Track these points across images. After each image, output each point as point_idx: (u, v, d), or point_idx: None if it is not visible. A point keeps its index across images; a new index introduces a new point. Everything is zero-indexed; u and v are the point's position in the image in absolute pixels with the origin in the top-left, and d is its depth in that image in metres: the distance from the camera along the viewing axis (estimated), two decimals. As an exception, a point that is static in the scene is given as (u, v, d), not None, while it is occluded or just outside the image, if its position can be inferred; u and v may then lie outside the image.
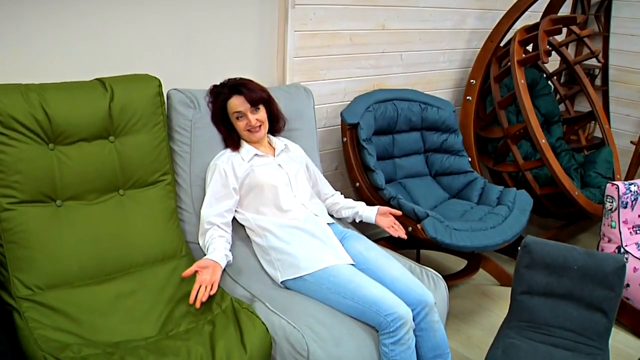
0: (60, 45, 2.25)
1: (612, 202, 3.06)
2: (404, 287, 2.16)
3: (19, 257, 1.96)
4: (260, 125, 2.40)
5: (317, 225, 2.32)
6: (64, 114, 2.06)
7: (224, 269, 2.18)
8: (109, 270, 2.10)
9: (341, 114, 3.01)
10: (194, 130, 2.42)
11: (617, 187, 3.03)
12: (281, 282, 2.20)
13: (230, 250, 2.24)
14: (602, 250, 3.15)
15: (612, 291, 2.16)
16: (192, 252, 2.35)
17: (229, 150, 2.43)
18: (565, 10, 4.36)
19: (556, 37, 3.97)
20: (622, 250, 3.04)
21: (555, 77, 4.31)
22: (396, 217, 2.56)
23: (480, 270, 3.31)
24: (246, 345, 1.90)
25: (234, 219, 2.38)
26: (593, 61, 4.54)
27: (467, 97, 3.69)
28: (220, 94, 2.42)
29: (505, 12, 3.66)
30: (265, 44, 2.85)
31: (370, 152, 2.92)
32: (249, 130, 2.39)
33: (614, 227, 3.07)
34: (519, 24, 3.67)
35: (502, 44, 3.71)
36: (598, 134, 4.67)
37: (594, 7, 4.61)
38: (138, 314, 2.01)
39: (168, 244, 2.28)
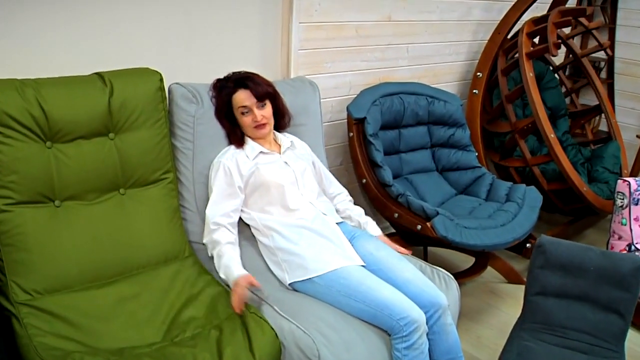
0: (57, 38, 2.16)
1: (623, 199, 2.99)
2: (416, 289, 2.09)
3: (17, 260, 1.88)
4: (266, 122, 2.31)
5: (325, 225, 2.24)
6: (62, 110, 1.98)
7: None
8: (110, 273, 2.03)
9: (347, 108, 2.93)
10: (197, 127, 2.33)
11: (629, 184, 2.96)
12: (289, 284, 2.12)
13: None
14: (612, 247, 3.08)
15: (629, 292, 2.11)
16: (195, 253, 2.28)
17: (232, 147, 2.33)
18: (572, 2, 4.28)
19: (564, 29, 3.89)
20: (632, 247, 2.98)
21: (561, 70, 4.23)
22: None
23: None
24: (255, 352, 1.83)
25: (240, 218, 2.30)
26: (599, 54, 4.47)
27: (474, 91, 3.61)
28: (225, 88, 2.33)
29: (513, 3, 3.57)
30: (269, 36, 2.77)
31: (377, 147, 2.84)
32: (255, 127, 2.29)
33: (625, 225, 3.01)
34: (526, 16, 3.59)
35: (509, 36, 3.63)
36: (603, 127, 4.61)
37: (601, -1, 4.54)
38: (141, 319, 1.94)
39: (171, 245, 2.21)
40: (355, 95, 3.04)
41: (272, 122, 2.36)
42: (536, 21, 3.50)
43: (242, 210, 2.29)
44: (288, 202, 2.24)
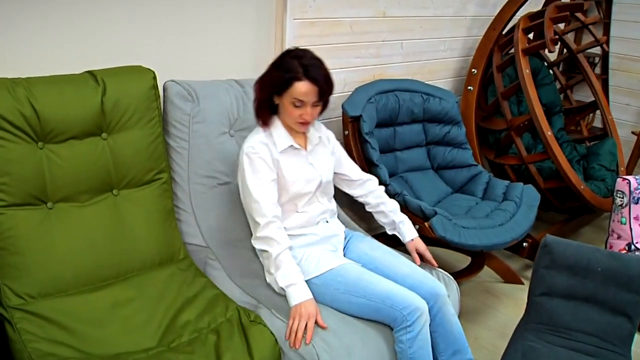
0: (48, 36, 2.10)
1: (622, 198, 2.97)
2: (415, 281, 2.07)
3: (9, 263, 1.84)
4: (311, 120, 2.10)
5: (327, 228, 2.22)
6: (54, 110, 1.93)
7: (224, 270, 2.10)
8: (104, 276, 1.99)
9: (343, 106, 2.89)
10: (193, 125, 2.29)
11: (629, 182, 2.94)
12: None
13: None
14: (611, 247, 3.07)
15: (637, 295, 2.08)
16: (190, 254, 2.24)
17: (261, 131, 2.11)
18: (565, -3, 4.26)
19: (558, 25, 3.87)
20: (632, 247, 2.96)
21: (555, 66, 4.21)
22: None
23: (483, 266, 3.22)
24: (254, 357, 1.79)
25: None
26: (593, 49, 4.45)
27: (469, 87, 3.58)
28: (291, 69, 2.01)
29: (508, -1, 3.54)
30: (263, 32, 2.72)
31: (373, 146, 2.81)
32: (299, 122, 2.08)
33: (624, 224, 2.99)
34: (522, 11, 3.56)
35: (504, 32, 3.60)
36: (597, 124, 4.60)
37: (595, -7, 4.52)
38: (137, 324, 1.89)
39: (166, 247, 2.17)
40: (350, 93, 3.00)
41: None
42: (532, 17, 3.48)
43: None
44: (299, 206, 2.17)
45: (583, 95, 4.53)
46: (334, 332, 1.91)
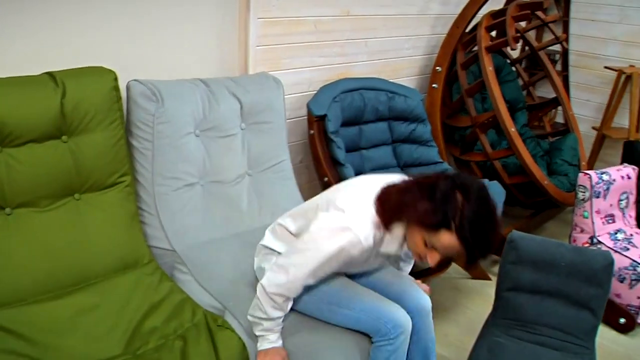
0: (4, 37, 2.04)
1: (584, 192, 3.01)
2: (400, 291, 2.03)
3: (-35, 273, 1.77)
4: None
5: None
6: (11, 112, 1.87)
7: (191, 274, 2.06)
8: (66, 283, 1.93)
9: (308, 105, 2.87)
10: (157, 126, 2.24)
11: (590, 177, 2.98)
12: None
13: None
14: (574, 240, 3.11)
15: (600, 288, 2.12)
16: (156, 258, 2.19)
17: (372, 225, 1.74)
18: (526, -5, 4.31)
19: (520, 22, 3.91)
20: (594, 240, 3.00)
21: (518, 63, 4.26)
22: None
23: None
24: (222, 362, 1.76)
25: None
26: (554, 47, 4.52)
27: (433, 85, 3.60)
28: (447, 212, 1.59)
29: (471, -3, 3.57)
30: (226, 31, 2.69)
31: (339, 145, 2.79)
32: (415, 257, 1.76)
33: (587, 217, 3.03)
34: (484, 10, 3.59)
35: (467, 30, 3.62)
36: (559, 119, 4.67)
37: (555, -8, 4.59)
38: (101, 332, 1.84)
39: (130, 251, 2.12)
40: (315, 92, 2.98)
41: None
42: (494, 15, 3.51)
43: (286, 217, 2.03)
44: None
45: (545, 91, 4.59)
46: (305, 339, 1.89)
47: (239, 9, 2.69)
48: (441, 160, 3.24)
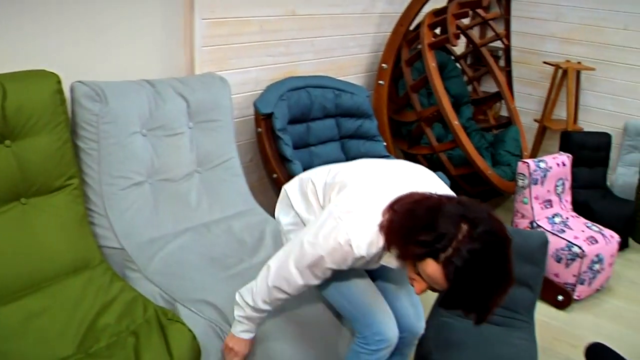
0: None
1: (523, 180, 3.14)
2: (402, 307, 1.97)
3: None
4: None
5: None
6: (-49, 118, 1.86)
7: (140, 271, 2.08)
8: (15, 288, 1.92)
9: (254, 103, 2.93)
10: (101, 125, 2.26)
11: (528, 165, 3.12)
12: None
13: None
14: (516, 225, 3.24)
15: (537, 266, 2.25)
16: (107, 259, 2.21)
17: (375, 234, 1.60)
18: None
19: (463, 20, 4.04)
20: (534, 225, 3.13)
21: (462, 59, 4.39)
22: None
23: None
24: (173, 355, 1.80)
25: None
26: (497, 43, 4.67)
27: (379, 82, 3.69)
28: (452, 247, 1.42)
29: (413, -5, 3.68)
30: (172, 32, 2.71)
31: (286, 142, 2.86)
32: (408, 277, 1.61)
33: (526, 203, 3.16)
34: (427, 8, 3.70)
35: (411, 28, 3.73)
36: (504, 113, 4.82)
37: (496, -10, 4.74)
38: (52, 334, 1.85)
39: (80, 253, 2.12)
40: (262, 91, 3.04)
41: None
42: (437, 13, 3.62)
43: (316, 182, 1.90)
44: None
45: (490, 86, 4.73)
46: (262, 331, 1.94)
47: (183, 10, 2.71)
48: (388, 154, 3.34)
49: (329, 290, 1.92)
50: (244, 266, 2.25)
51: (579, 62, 4.40)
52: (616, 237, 3.17)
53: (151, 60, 2.64)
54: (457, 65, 4.24)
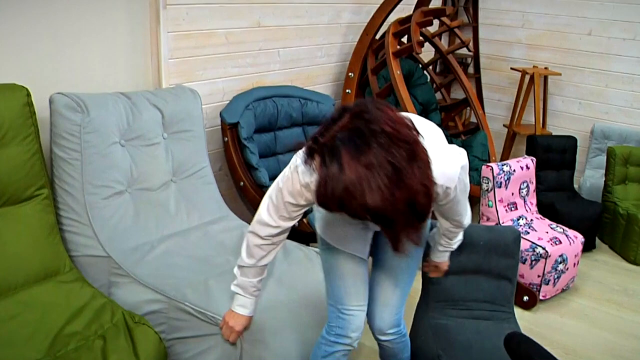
0: None
1: (488, 183, 3.21)
2: (379, 305, 2.00)
3: None
4: None
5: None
6: None
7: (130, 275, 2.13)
8: (-16, 294, 1.96)
9: (220, 113, 2.98)
10: (84, 135, 2.28)
11: (492, 169, 3.18)
12: None
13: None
14: (483, 229, 3.30)
15: (513, 259, 2.37)
16: (77, 266, 2.25)
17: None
18: (436, 3, 4.52)
19: (429, 28, 4.11)
20: (500, 227, 3.20)
21: (430, 67, 4.47)
22: None
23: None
24: (140, 356, 1.85)
25: None
26: (465, 50, 4.76)
27: (347, 90, 3.75)
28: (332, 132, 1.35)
29: (379, 5, 3.74)
30: (138, 46, 2.77)
31: (252, 150, 2.91)
32: None
33: (491, 206, 3.22)
34: (392, 17, 3.77)
35: (377, 37, 3.80)
36: (474, 119, 4.90)
37: (463, -1, 4.84)
38: (20, 339, 1.88)
39: (50, 261, 2.17)
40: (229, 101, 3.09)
41: None
42: (401, 22, 3.69)
43: None
44: None
45: (460, 93, 4.81)
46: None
47: (149, 23, 2.77)
48: (356, 161, 3.38)
49: (324, 274, 1.96)
50: (232, 265, 2.26)
51: (545, 68, 4.50)
52: (580, 238, 3.24)
53: (119, 73, 2.69)
54: (425, 72, 4.31)
